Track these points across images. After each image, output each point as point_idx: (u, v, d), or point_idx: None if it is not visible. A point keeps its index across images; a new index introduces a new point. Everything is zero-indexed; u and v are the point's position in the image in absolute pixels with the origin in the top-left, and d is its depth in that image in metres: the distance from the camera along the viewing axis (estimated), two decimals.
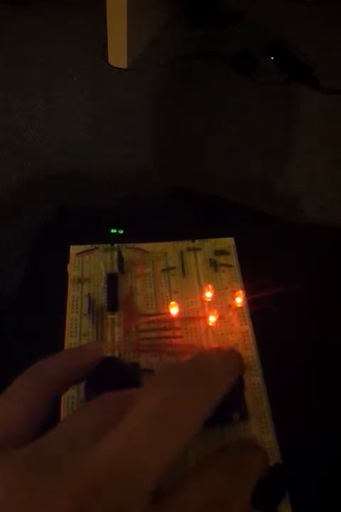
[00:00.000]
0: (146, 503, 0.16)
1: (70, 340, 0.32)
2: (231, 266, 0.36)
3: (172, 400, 0.17)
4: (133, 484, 0.15)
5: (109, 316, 0.33)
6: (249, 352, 0.32)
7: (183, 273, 0.36)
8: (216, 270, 0.36)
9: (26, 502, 0.15)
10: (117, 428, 0.16)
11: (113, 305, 0.34)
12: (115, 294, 0.34)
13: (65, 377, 0.22)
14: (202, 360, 0.20)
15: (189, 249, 0.37)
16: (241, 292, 0.34)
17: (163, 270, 0.36)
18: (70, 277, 0.35)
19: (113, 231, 0.38)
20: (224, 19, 0.84)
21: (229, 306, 0.34)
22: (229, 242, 0.38)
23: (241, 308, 0.34)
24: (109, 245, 0.37)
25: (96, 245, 0.37)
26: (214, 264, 0.36)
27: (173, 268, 0.36)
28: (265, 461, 0.21)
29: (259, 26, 0.85)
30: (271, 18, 0.87)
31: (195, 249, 0.37)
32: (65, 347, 0.31)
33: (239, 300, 0.34)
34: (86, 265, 0.36)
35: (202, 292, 0.35)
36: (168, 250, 0.37)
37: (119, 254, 0.36)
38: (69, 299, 0.34)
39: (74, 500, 0.14)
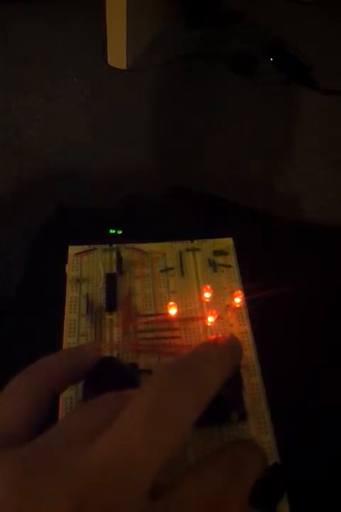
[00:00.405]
0: (144, 500, 0.16)
1: (68, 341, 0.32)
2: (230, 266, 0.36)
3: (166, 396, 0.17)
4: (129, 482, 0.15)
5: (108, 317, 0.33)
6: (248, 352, 0.32)
7: (182, 273, 0.36)
8: (215, 270, 0.36)
9: (24, 503, 0.15)
10: (112, 427, 0.16)
11: (111, 305, 0.34)
12: (114, 295, 0.34)
13: (63, 377, 0.22)
14: (196, 356, 0.20)
15: (188, 250, 0.37)
16: (239, 292, 0.34)
17: (162, 270, 0.36)
18: (69, 277, 0.35)
19: (111, 231, 0.38)
20: (224, 19, 0.84)
21: (228, 306, 0.34)
22: (227, 243, 0.38)
23: (239, 308, 0.34)
24: (107, 246, 0.37)
25: (95, 245, 0.37)
26: (213, 265, 0.36)
27: (172, 268, 0.36)
28: (263, 461, 0.21)
29: (259, 26, 0.84)
30: (271, 18, 0.87)
31: (194, 250, 0.37)
32: (63, 347, 0.31)
33: (238, 300, 0.34)
34: (84, 265, 0.36)
35: (200, 292, 0.35)
36: (166, 251, 0.37)
37: (118, 254, 0.36)
38: (68, 299, 0.34)
39: (72, 500, 0.14)
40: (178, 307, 0.34)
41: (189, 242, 0.38)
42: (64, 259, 0.36)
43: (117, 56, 0.76)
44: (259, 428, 0.29)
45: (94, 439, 0.16)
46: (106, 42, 0.75)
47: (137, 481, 0.15)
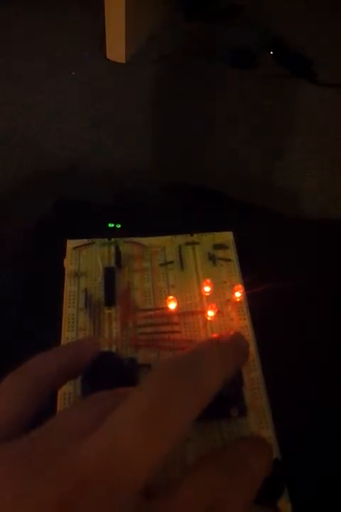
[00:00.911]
0: (136, 500, 0.15)
1: (67, 335, 0.32)
2: (229, 260, 0.36)
3: (165, 394, 0.17)
4: (122, 481, 0.15)
5: (106, 311, 0.33)
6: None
7: (181, 267, 0.36)
8: (214, 264, 0.36)
9: (13, 495, 0.14)
10: (106, 423, 0.16)
11: (110, 300, 0.33)
12: (112, 289, 0.34)
13: (59, 373, 0.21)
14: (197, 354, 0.19)
15: (187, 244, 0.37)
16: (240, 286, 0.34)
17: (161, 264, 0.36)
18: (67, 272, 0.35)
19: (110, 225, 0.38)
20: (224, 14, 0.84)
21: (228, 300, 0.34)
22: (227, 236, 0.38)
23: (239, 302, 0.34)
24: (106, 239, 0.37)
25: (94, 239, 0.37)
26: (212, 259, 0.36)
27: (171, 262, 0.36)
28: (270, 457, 0.20)
29: (259, 21, 0.84)
30: (271, 12, 0.86)
31: (194, 244, 0.37)
32: (62, 342, 0.31)
33: (238, 294, 0.34)
34: (83, 259, 0.36)
35: (200, 286, 0.34)
36: (166, 244, 0.37)
37: (117, 248, 0.36)
38: (66, 294, 0.34)
39: (60, 495, 0.14)
40: (178, 301, 0.33)
41: (188, 235, 0.38)
42: (62, 253, 0.36)
43: (116, 50, 0.75)
44: (259, 423, 0.28)
45: (88, 436, 0.16)
46: (104, 36, 0.75)
47: (130, 480, 0.15)
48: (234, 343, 0.22)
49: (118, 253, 0.35)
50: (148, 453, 0.15)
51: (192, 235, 0.38)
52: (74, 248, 0.36)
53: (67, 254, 0.36)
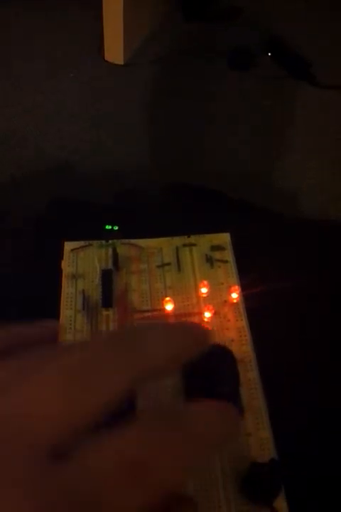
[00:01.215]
0: (43, 458, 0.14)
1: (65, 337, 0.32)
2: (226, 261, 0.36)
3: (95, 357, 0.16)
4: (28, 437, 0.14)
5: (104, 313, 0.33)
6: (245, 347, 0.31)
7: (178, 269, 0.36)
8: (211, 266, 0.36)
9: None
10: (32, 377, 0.15)
11: (107, 301, 0.33)
12: (110, 290, 0.34)
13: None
14: (141, 327, 0.18)
15: (184, 245, 0.37)
16: (236, 288, 0.34)
17: (158, 266, 0.36)
18: (64, 273, 0.35)
19: (108, 227, 0.38)
20: (224, 14, 0.84)
21: (225, 301, 0.34)
22: (224, 238, 0.38)
23: (236, 303, 0.34)
24: (103, 241, 0.37)
25: (91, 241, 0.37)
26: (209, 260, 0.36)
27: (168, 264, 0.36)
28: (221, 421, 0.17)
29: (257, 22, 0.84)
30: (270, 13, 0.86)
31: (191, 245, 0.37)
32: None
33: (235, 296, 0.34)
34: (80, 261, 0.36)
35: (197, 288, 0.34)
36: (163, 246, 0.37)
37: (114, 250, 0.36)
38: (64, 296, 0.34)
39: None
40: (175, 303, 0.33)
41: (186, 237, 0.38)
42: (60, 255, 0.36)
43: (114, 52, 0.75)
44: (256, 424, 0.28)
45: (8, 389, 0.15)
46: (102, 37, 0.75)
47: (38, 438, 0.14)
48: (186, 328, 0.20)
49: (115, 255, 0.35)
50: (67, 414, 0.15)
51: (189, 237, 0.38)
52: (72, 250, 0.36)
53: (64, 256, 0.36)
